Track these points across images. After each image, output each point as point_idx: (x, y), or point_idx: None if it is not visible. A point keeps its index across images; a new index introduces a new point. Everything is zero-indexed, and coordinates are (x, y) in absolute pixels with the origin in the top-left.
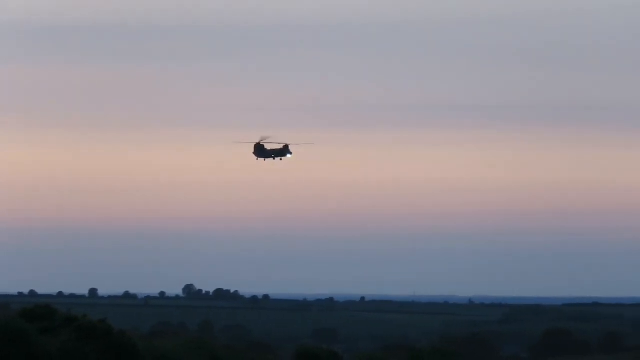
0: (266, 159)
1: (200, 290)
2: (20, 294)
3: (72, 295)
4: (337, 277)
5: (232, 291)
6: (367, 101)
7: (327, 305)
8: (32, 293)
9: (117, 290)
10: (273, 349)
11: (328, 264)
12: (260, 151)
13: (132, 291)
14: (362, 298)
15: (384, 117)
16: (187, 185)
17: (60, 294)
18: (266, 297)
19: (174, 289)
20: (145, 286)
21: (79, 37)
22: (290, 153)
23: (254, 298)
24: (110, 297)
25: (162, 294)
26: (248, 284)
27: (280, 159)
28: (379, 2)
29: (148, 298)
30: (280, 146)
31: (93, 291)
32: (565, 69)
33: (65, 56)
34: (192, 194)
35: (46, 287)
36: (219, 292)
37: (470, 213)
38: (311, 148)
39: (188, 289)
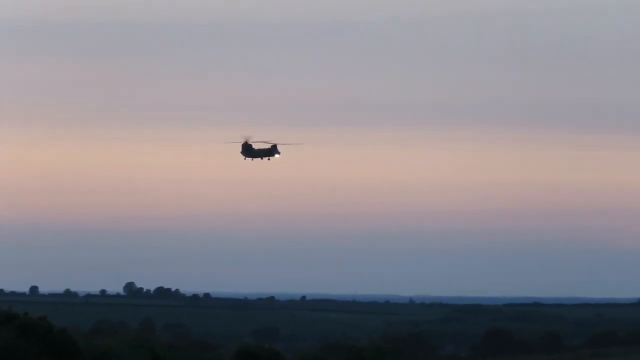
0: (254, 159)
1: (141, 289)
2: None
3: (13, 293)
4: (278, 276)
5: (173, 289)
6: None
7: (268, 304)
8: None
9: (58, 288)
10: (214, 347)
11: (269, 262)
12: (248, 151)
13: (72, 289)
14: (303, 297)
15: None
16: (130, 183)
17: (0, 291)
18: (207, 295)
19: (115, 287)
20: (86, 284)
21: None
22: (279, 153)
23: (195, 296)
24: (51, 295)
25: (103, 292)
26: (189, 283)
27: (269, 159)
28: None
29: (89, 296)
30: (268, 146)
31: (34, 289)
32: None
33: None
34: (134, 191)
35: None
36: (160, 290)
37: (410, 212)
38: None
39: (129, 287)
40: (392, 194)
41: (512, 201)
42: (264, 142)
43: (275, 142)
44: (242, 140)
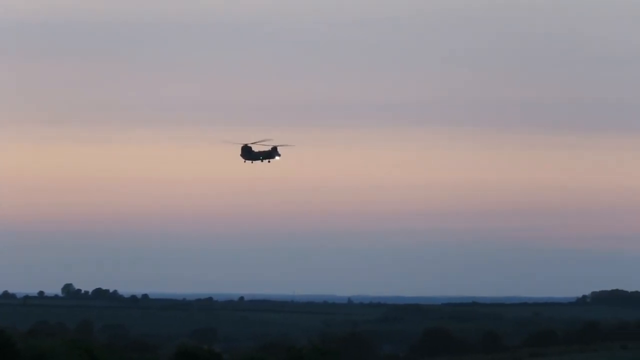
0: (254, 162)
1: (80, 290)
2: None
3: None
4: (216, 277)
5: (111, 291)
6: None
7: (207, 304)
8: None
9: None
10: (152, 348)
11: (207, 263)
12: (248, 153)
13: (10, 290)
14: (242, 297)
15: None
16: (69, 184)
17: None
18: (145, 296)
19: (53, 289)
20: (24, 285)
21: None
22: (279, 155)
23: (133, 297)
24: None
25: (41, 293)
26: (127, 284)
27: (269, 161)
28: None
29: (27, 297)
30: (268, 148)
31: None
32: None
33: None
34: (74, 193)
35: None
36: (98, 291)
37: (347, 213)
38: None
39: (67, 288)
40: (331, 195)
41: (451, 202)
42: (263, 144)
43: (275, 144)
44: (244, 143)
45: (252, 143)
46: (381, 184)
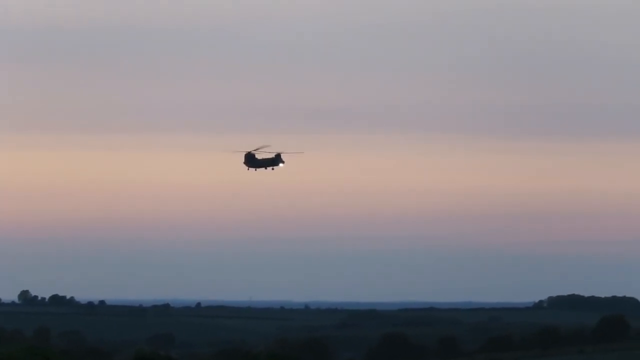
0: (257, 169)
1: (36, 297)
2: None
3: None
4: (173, 283)
5: (67, 297)
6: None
7: (163, 310)
8: None
9: None
10: (109, 354)
11: (164, 269)
12: (251, 161)
13: None
14: (198, 304)
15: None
16: (24, 191)
17: None
18: (102, 303)
19: (9, 296)
20: None
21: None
22: (283, 162)
23: (90, 304)
24: None
25: None
26: (84, 290)
27: (272, 169)
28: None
29: None
30: (272, 155)
31: None
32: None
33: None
34: (28, 199)
35: None
36: (55, 298)
37: (304, 219)
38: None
39: (23, 295)
40: (284, 201)
41: (405, 208)
42: (267, 150)
43: (278, 152)
44: (248, 150)
45: (255, 150)
46: (337, 190)
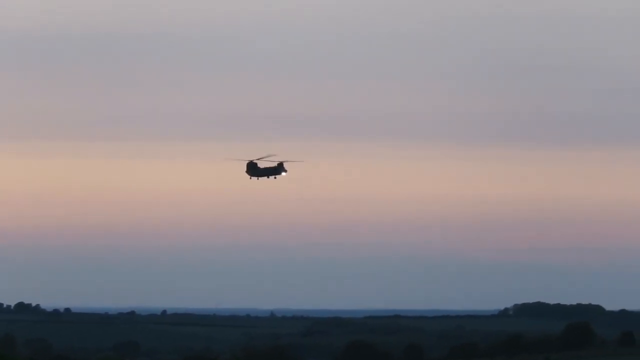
0: (259, 178)
1: (1, 304)
2: None
3: None
4: (139, 291)
5: (33, 305)
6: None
7: (129, 318)
8: None
9: None
10: None
11: (129, 277)
12: (253, 170)
13: None
14: (164, 311)
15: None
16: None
17: None
18: (68, 310)
19: None
20: None
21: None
22: (285, 171)
23: (56, 311)
24: None
25: None
26: (49, 297)
27: (275, 178)
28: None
29: None
30: (274, 164)
31: None
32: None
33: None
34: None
35: None
36: (20, 305)
37: (268, 226)
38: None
39: None
40: (249, 207)
41: (371, 214)
42: (269, 159)
43: (281, 160)
44: (250, 159)
45: (257, 159)
46: (299, 197)
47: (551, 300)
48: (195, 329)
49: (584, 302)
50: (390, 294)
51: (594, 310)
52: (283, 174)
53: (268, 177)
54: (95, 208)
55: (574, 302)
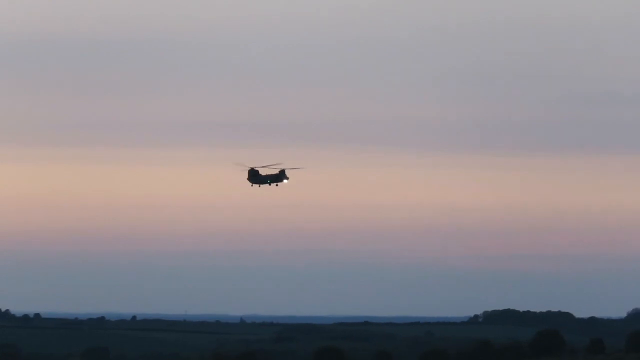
0: (261, 185)
1: None
2: None
3: None
4: (109, 296)
5: (3, 310)
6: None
7: (99, 323)
8: None
9: None
10: None
11: (99, 282)
12: (255, 177)
13: None
14: (134, 317)
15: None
16: None
17: None
18: (37, 315)
19: None
20: None
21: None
22: (287, 178)
23: (26, 317)
24: None
25: None
26: (19, 303)
27: (277, 185)
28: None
29: None
30: (276, 171)
31: None
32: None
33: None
34: None
35: None
36: None
37: (238, 232)
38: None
39: None
40: (218, 214)
41: (341, 221)
42: (271, 166)
43: (282, 167)
44: (251, 167)
45: (260, 167)
46: (271, 203)
47: (521, 307)
48: (165, 334)
49: (554, 309)
50: (361, 300)
51: (564, 318)
52: (285, 181)
53: (270, 184)
54: (66, 214)
55: (544, 309)
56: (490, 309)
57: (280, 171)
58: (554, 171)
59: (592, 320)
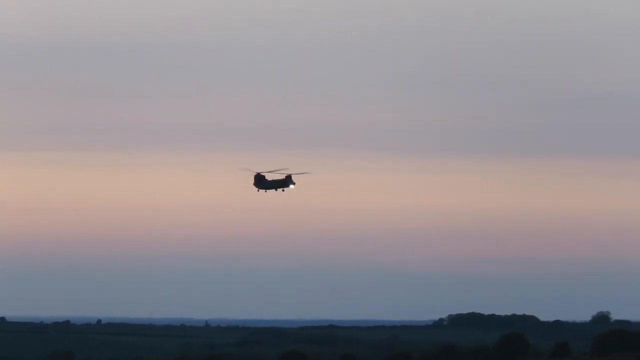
0: (267, 190)
1: None
2: None
3: None
4: (74, 300)
5: None
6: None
7: (64, 327)
8: None
9: None
10: None
11: (65, 286)
12: (261, 182)
13: None
14: (99, 320)
15: None
16: None
17: None
18: (2, 319)
19: None
20: None
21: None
22: (294, 183)
23: None
24: None
25: None
26: None
27: (283, 190)
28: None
29: None
30: (282, 176)
31: None
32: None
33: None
34: None
35: None
36: None
37: (203, 236)
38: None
39: None
40: (184, 217)
41: (305, 226)
42: (277, 171)
43: (289, 172)
44: (257, 172)
45: (266, 172)
46: (239, 207)
47: (486, 310)
48: (130, 338)
49: (519, 312)
50: (326, 304)
51: (529, 321)
52: (291, 186)
53: (276, 190)
54: (32, 217)
55: (509, 313)
56: (455, 312)
57: (286, 176)
58: (518, 174)
59: (557, 323)
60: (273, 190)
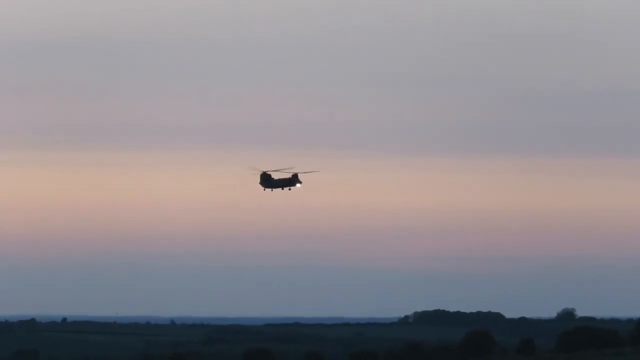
0: (274, 190)
1: None
2: None
3: None
4: (39, 298)
5: None
6: None
7: (29, 326)
8: None
9: None
10: None
11: (30, 283)
12: (267, 181)
13: None
14: (64, 319)
15: None
16: None
17: None
18: None
19: None
20: None
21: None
22: (300, 182)
23: None
24: None
25: None
26: None
27: (289, 189)
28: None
29: None
30: (289, 175)
31: None
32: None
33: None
34: None
35: None
36: None
37: (168, 233)
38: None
39: None
40: (151, 215)
41: (270, 224)
42: (284, 170)
43: (295, 171)
44: (263, 170)
45: (273, 171)
46: (204, 204)
47: (451, 307)
48: (96, 336)
49: (484, 309)
50: (290, 301)
51: (494, 318)
52: (298, 185)
53: (282, 189)
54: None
55: (474, 310)
56: (420, 309)
57: (293, 175)
58: (483, 173)
59: (523, 320)
60: (279, 190)
